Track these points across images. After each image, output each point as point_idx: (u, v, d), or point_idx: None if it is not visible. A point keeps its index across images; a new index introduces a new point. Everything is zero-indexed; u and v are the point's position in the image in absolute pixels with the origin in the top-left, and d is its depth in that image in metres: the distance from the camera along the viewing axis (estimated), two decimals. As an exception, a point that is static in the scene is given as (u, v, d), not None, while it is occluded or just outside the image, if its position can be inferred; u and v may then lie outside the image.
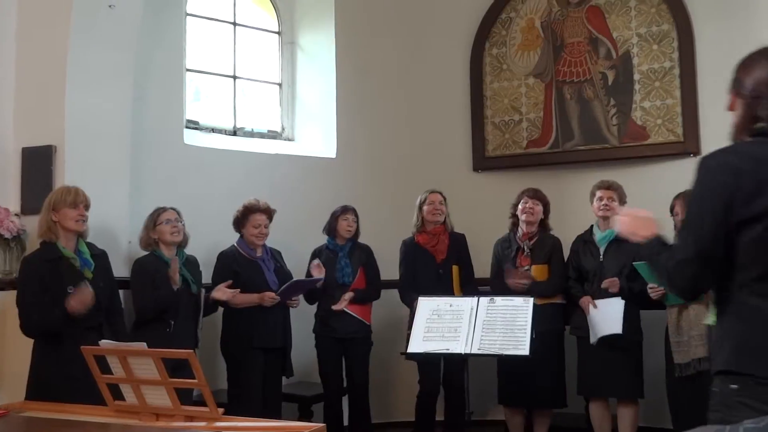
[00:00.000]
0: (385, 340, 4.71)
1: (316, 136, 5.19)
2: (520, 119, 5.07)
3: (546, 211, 4.22)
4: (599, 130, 4.87)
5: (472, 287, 4.18)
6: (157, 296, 3.56)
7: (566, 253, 4.20)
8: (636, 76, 4.77)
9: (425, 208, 4.24)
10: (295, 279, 4.04)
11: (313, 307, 4.30)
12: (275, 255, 4.18)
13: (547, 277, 4.10)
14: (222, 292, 3.73)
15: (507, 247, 4.21)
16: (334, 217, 4.28)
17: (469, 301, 3.32)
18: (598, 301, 3.89)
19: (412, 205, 4.37)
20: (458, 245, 4.25)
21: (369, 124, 5.16)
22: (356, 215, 4.29)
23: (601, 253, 4.03)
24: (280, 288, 3.96)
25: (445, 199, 4.30)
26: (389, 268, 4.39)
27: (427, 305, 3.42)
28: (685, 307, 3.64)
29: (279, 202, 4.30)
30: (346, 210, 4.28)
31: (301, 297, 4.19)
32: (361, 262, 4.28)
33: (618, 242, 3.95)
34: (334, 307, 4.11)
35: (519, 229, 4.22)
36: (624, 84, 4.79)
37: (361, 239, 4.46)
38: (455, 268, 4.21)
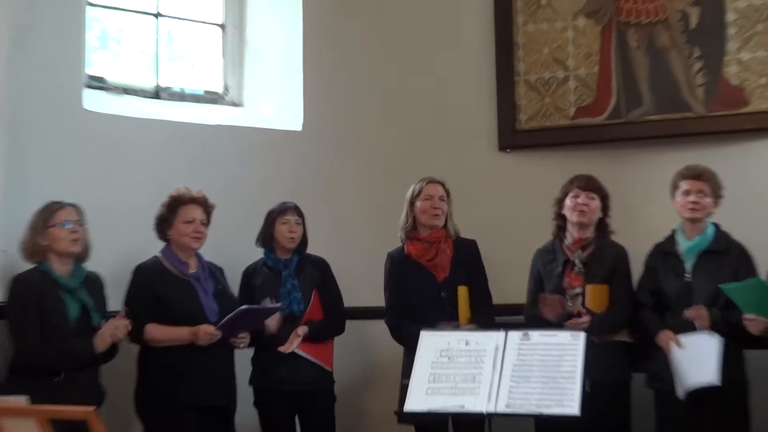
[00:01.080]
0: (354, 391, 4.78)
1: (274, 100, 5.20)
2: (565, 77, 5.03)
3: (605, 207, 4.22)
4: (678, 92, 4.83)
5: (487, 315, 4.18)
6: (47, 350, 3.58)
7: (635, 268, 4.21)
8: (730, 17, 4.73)
9: (419, 204, 4.29)
10: (244, 307, 4.02)
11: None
12: (215, 273, 4.21)
13: (608, 303, 4.09)
14: (103, 339, 3.71)
15: (550, 260, 4.21)
16: (270, 221, 4.34)
17: (494, 338, 3.35)
18: (683, 337, 3.89)
19: (396, 202, 4.44)
20: (467, 257, 4.30)
21: (349, 86, 5.16)
22: (300, 215, 4.35)
23: (688, 270, 4.03)
24: (222, 319, 3.95)
25: (448, 193, 4.31)
26: (372, 289, 4.43)
27: (432, 343, 3.44)
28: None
29: (221, 193, 4.34)
30: (285, 210, 4.33)
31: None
32: (314, 282, 4.34)
33: (712, 254, 3.98)
34: (281, 349, 4.16)
35: (567, 234, 4.22)
36: (713, 27, 4.75)
37: (341, 249, 4.62)
38: (463, 290, 4.20)
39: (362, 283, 4.56)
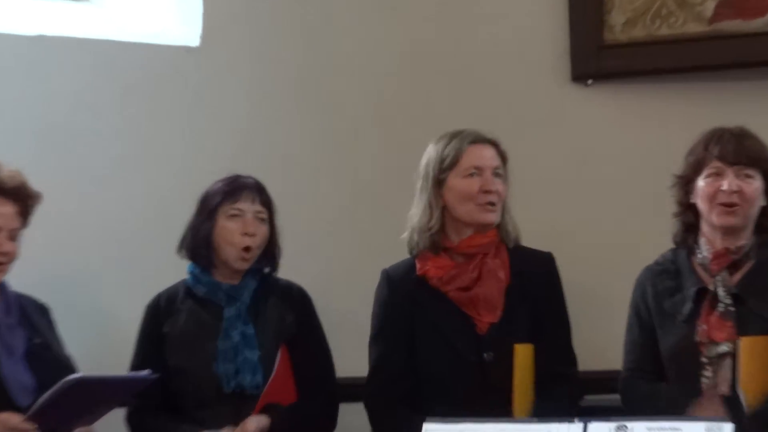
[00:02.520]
0: None
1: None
2: (696, -54, 4.95)
3: None
4: None
5: (567, 399, 4.05)
6: None
7: None
8: None
9: (456, 184, 4.13)
10: (75, 376, 3.80)
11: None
12: (32, 316, 4.13)
13: None
14: None
15: (671, 289, 3.99)
16: (207, 211, 4.27)
17: (563, 431, 3.19)
18: None
19: (397, 175, 4.47)
20: (537, 285, 4.18)
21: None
22: (267, 204, 4.31)
23: None
24: (38, 402, 3.79)
25: (504, 161, 4.19)
26: (358, 347, 4.34)
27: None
28: None
29: (61, 161, 4.57)
30: (237, 189, 4.26)
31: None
32: (282, 331, 4.26)
33: None
34: None
35: (702, 242, 4.01)
36: None
37: (290, 268, 4.49)
38: (524, 351, 4.01)
39: (340, 335, 4.47)
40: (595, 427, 3.12)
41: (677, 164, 4.09)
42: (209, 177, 4.43)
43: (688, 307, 3.87)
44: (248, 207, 4.19)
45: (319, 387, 4.25)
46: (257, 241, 4.19)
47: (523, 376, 4.00)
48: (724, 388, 3.80)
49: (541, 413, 3.80)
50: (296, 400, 4.21)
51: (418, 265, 4.12)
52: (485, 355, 4.00)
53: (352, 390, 4.40)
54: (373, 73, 5.11)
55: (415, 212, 4.15)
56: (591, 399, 4.15)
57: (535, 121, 4.91)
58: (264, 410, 4.09)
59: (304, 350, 4.25)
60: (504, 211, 4.16)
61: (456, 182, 4.08)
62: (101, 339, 4.49)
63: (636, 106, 4.93)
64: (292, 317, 4.26)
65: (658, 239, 4.20)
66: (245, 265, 4.20)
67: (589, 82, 4.95)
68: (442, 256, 4.13)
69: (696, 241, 3.99)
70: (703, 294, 3.87)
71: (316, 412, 4.22)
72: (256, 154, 4.96)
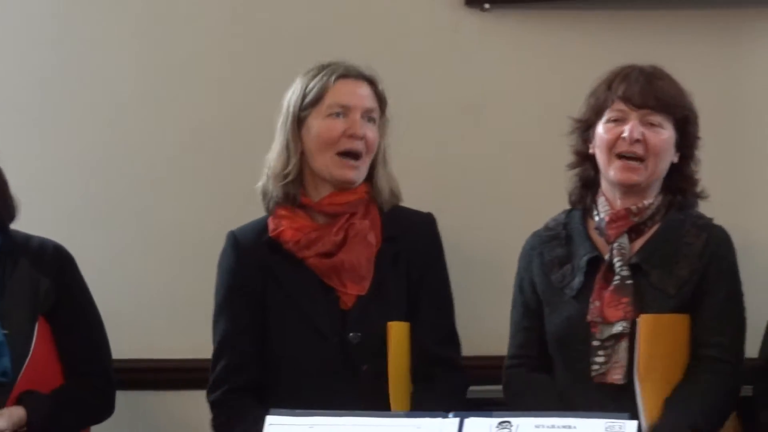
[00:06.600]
0: None
1: None
2: None
3: (687, 141, 3.93)
4: None
5: (452, 386, 3.92)
6: None
7: (748, 276, 4.01)
8: None
9: (316, 126, 3.97)
10: None
11: None
12: None
13: (689, 359, 3.82)
14: None
15: (561, 258, 3.90)
16: None
17: (435, 427, 3.17)
18: None
19: (246, 118, 4.53)
20: (413, 252, 4.07)
21: None
22: None
23: None
24: None
25: (382, 103, 4.02)
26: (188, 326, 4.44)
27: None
28: None
29: None
30: None
31: None
32: (38, 303, 4.01)
33: None
34: None
35: (600, 201, 3.93)
36: None
37: (94, 236, 4.61)
38: (398, 329, 3.91)
39: (165, 311, 4.53)
40: (473, 423, 3.08)
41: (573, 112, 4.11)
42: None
43: (578, 280, 3.76)
44: None
45: (88, 365, 4.03)
46: None
47: (399, 360, 3.88)
48: (617, 377, 3.70)
49: (421, 405, 3.71)
50: (61, 385, 4.01)
51: (270, 225, 3.94)
52: (351, 335, 3.85)
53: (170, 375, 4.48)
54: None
55: (271, 156, 3.98)
56: (476, 390, 4.02)
57: (420, 53, 4.72)
58: (19, 400, 3.86)
59: (67, 323, 4.04)
60: (378, 165, 3.98)
61: (316, 123, 3.90)
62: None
63: (543, 36, 4.73)
64: (48, 283, 3.98)
65: (538, 200, 4.23)
66: None
67: (486, 6, 4.68)
68: (301, 215, 3.95)
69: (593, 201, 3.89)
70: (596, 264, 3.76)
71: (85, 395, 4.01)
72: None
